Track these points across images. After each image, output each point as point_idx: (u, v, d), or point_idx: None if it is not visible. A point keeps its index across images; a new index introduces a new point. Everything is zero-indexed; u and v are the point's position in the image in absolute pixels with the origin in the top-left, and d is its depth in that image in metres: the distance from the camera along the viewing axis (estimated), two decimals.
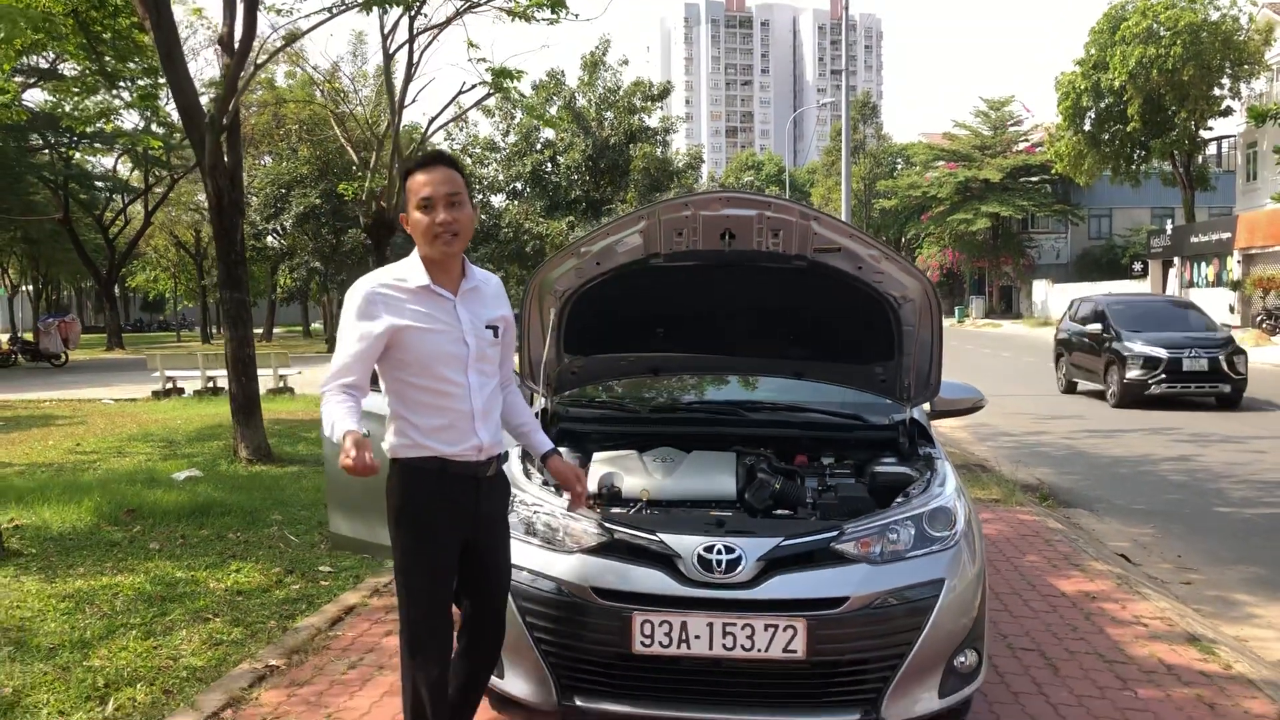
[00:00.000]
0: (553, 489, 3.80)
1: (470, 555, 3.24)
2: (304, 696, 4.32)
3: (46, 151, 37.65)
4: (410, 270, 3.17)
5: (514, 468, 3.90)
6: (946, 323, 45.82)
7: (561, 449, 4.34)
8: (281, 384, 18.61)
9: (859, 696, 3.34)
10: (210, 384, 18.87)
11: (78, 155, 38.45)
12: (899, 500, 3.70)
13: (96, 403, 18.31)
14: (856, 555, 3.41)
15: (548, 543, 3.53)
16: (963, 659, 3.48)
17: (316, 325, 60.41)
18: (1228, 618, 5.75)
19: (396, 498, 3.15)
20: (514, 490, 3.73)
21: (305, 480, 9.45)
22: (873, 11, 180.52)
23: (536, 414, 4.41)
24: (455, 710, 3.30)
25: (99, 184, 41.78)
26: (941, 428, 13.23)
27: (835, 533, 3.44)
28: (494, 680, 3.55)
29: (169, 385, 19.00)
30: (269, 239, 37.59)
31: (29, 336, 34.76)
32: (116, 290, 48.08)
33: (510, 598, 3.43)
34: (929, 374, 4.35)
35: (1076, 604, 5.61)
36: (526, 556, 3.50)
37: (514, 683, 3.52)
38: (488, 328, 3.22)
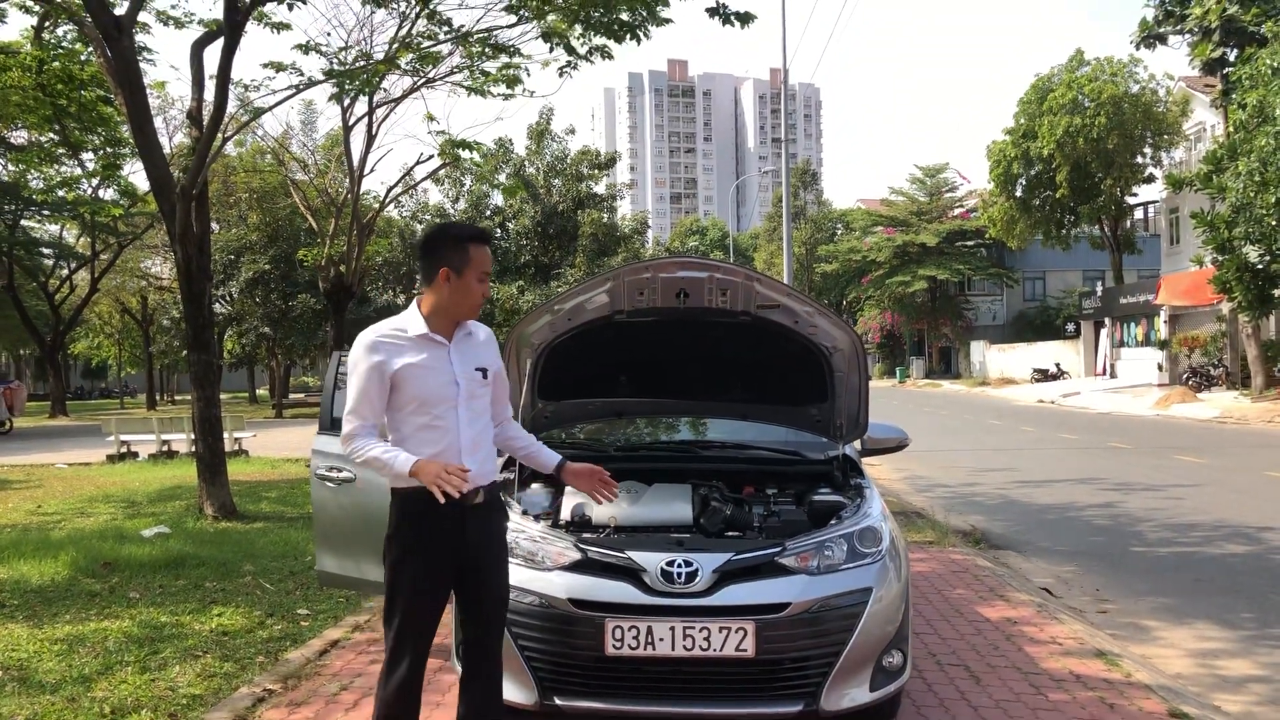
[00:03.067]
0: (531, 516, 4.32)
1: (466, 581, 3.56)
2: (303, 714, 4.74)
3: None
4: (409, 321, 3.55)
5: None
6: (888, 383, 46.93)
7: (534, 484, 4.86)
8: (237, 446, 18.79)
9: (801, 689, 3.86)
10: (165, 447, 18.99)
11: (29, 222, 38.38)
12: (833, 522, 4.26)
13: (50, 467, 18.35)
14: (797, 568, 3.95)
15: (529, 562, 4.02)
16: (890, 658, 4.02)
17: (262, 391, 60.04)
18: (1136, 640, 6.33)
19: (392, 524, 3.52)
20: None
21: (272, 535, 9.76)
22: (812, 82, 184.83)
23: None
24: None
25: (45, 250, 41.61)
26: (880, 479, 13.86)
27: (778, 549, 3.99)
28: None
29: (124, 449, 19.10)
30: (216, 305, 37.67)
31: None
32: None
33: None
34: (858, 415, 4.99)
35: (999, 628, 6.18)
36: (510, 574, 3.98)
37: None
38: (477, 370, 3.58)
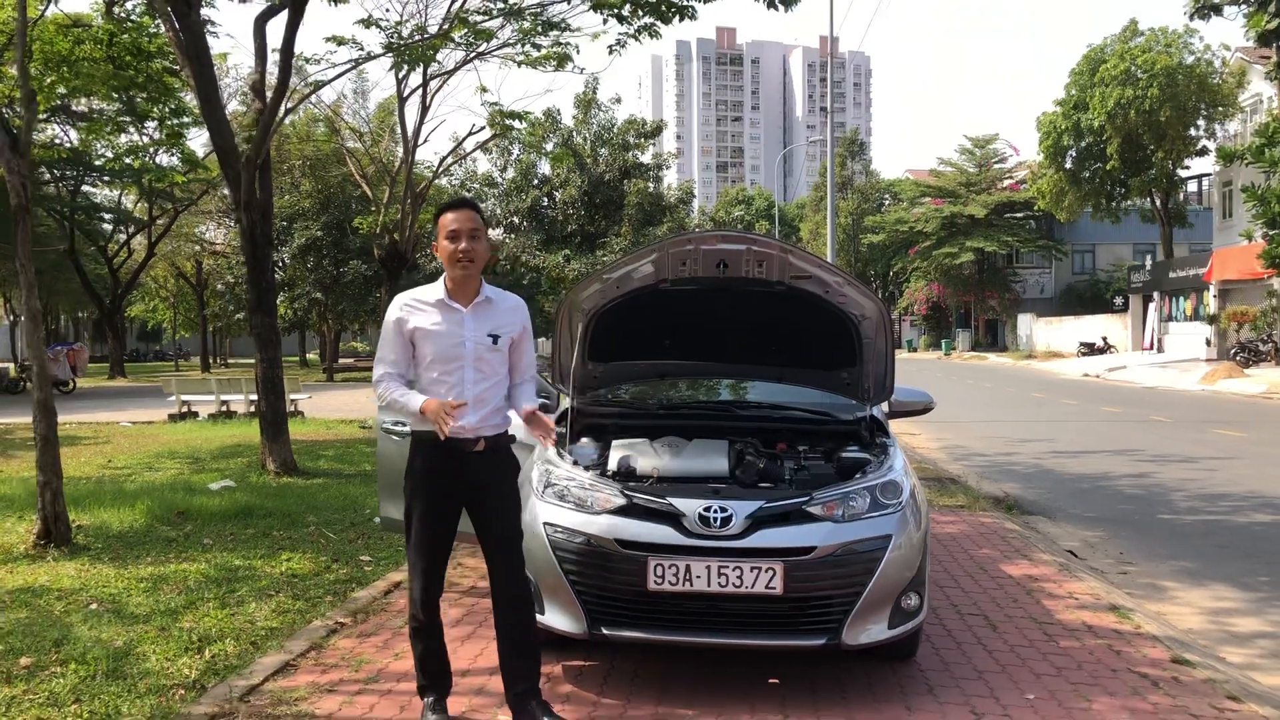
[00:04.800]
0: (581, 467, 4.74)
1: (474, 516, 4.13)
2: (373, 643, 5.23)
3: (52, 184, 38.50)
4: (434, 289, 4.13)
5: (547, 450, 4.83)
6: (933, 355, 46.90)
7: (584, 438, 5.28)
8: (293, 408, 19.39)
9: (825, 625, 4.26)
10: (224, 407, 19.68)
11: (93, 189, 39.33)
12: (858, 476, 4.64)
13: (114, 425, 19.08)
14: (823, 515, 4.34)
15: (580, 507, 4.45)
16: (908, 600, 4.40)
17: (312, 356, 61.12)
18: (1154, 599, 6.64)
19: (409, 462, 4.16)
20: (548, 467, 4.66)
21: (332, 489, 10.27)
22: (862, 50, 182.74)
23: (564, 411, 5.38)
24: (504, 652, 4.15)
25: (105, 215, 42.63)
26: (919, 448, 14.17)
27: (806, 498, 4.39)
28: (535, 616, 4.45)
29: (184, 409, 19.81)
30: None
31: None
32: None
33: (549, 549, 4.38)
34: (885, 379, 5.36)
35: (1020, 584, 6.53)
36: (562, 517, 4.43)
37: (553, 617, 4.44)
38: (488, 335, 4.08)
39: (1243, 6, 30.51)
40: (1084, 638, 5.37)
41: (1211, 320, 37.61)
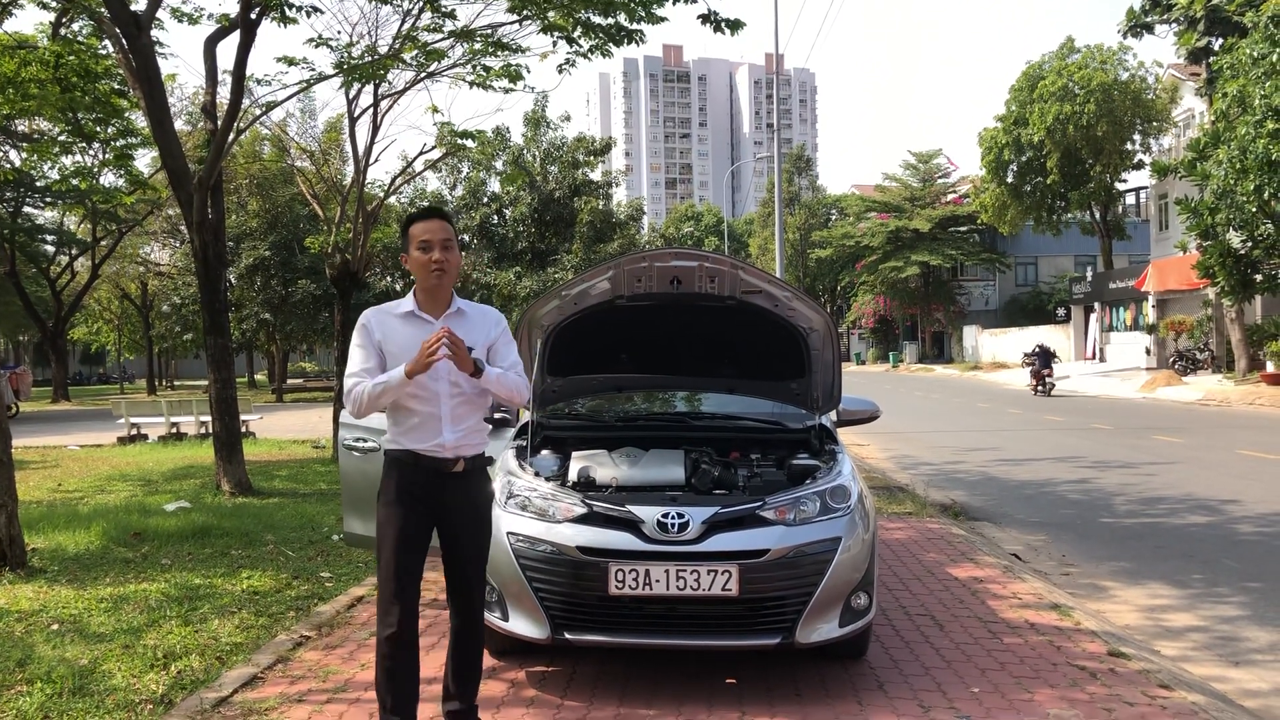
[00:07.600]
0: (543, 478, 4.89)
1: (444, 539, 3.95)
2: (338, 654, 5.32)
3: None
4: (404, 302, 3.96)
5: (509, 462, 4.98)
6: (881, 368, 47.55)
7: (544, 450, 5.43)
8: (245, 428, 19.28)
9: (779, 624, 4.45)
10: (174, 429, 19.52)
11: (35, 210, 38.69)
12: (808, 481, 4.84)
13: (62, 449, 18.86)
14: (775, 519, 4.53)
15: (541, 516, 4.59)
16: (858, 599, 4.60)
17: (260, 376, 60.48)
18: (1094, 598, 6.90)
19: (382, 482, 3.95)
20: (510, 478, 4.80)
21: (288, 509, 10.28)
22: (807, 67, 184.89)
23: (524, 424, 5.53)
24: (448, 670, 4.07)
25: (48, 237, 41.96)
26: (868, 459, 14.45)
27: (759, 503, 4.57)
28: (499, 623, 4.60)
29: (134, 431, 19.61)
30: None
31: None
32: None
33: (513, 557, 4.51)
34: (833, 389, 5.59)
35: (966, 585, 6.76)
36: (525, 526, 4.57)
37: (517, 623, 4.57)
38: None
39: (1173, 25, 31.50)
40: (1026, 635, 5.59)
41: (1150, 330, 38.51)
